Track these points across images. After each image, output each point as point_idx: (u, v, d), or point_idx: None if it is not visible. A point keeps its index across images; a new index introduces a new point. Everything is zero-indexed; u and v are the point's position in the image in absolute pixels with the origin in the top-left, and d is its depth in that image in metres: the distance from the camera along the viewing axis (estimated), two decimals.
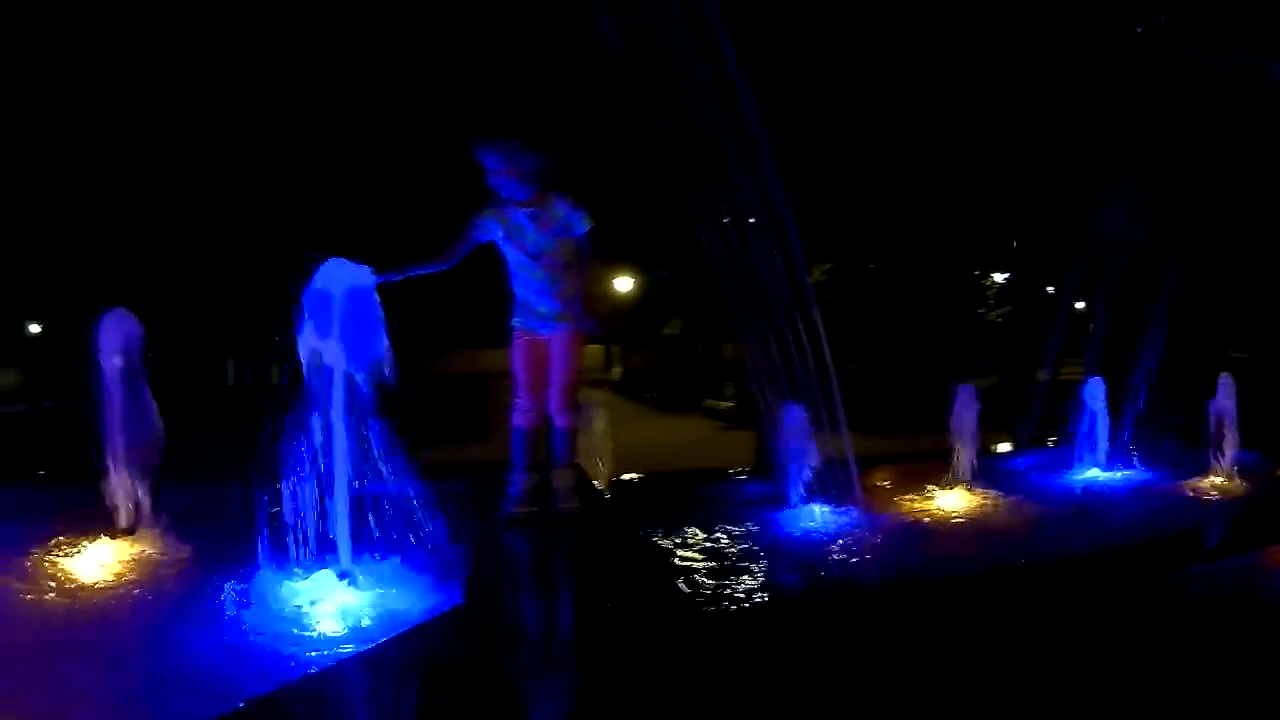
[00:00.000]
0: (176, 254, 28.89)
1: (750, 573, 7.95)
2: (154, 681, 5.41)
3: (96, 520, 8.44)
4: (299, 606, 6.30)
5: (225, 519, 7.70)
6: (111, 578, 7.54)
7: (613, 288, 53.93)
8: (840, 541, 8.93)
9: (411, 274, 7.44)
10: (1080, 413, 12.95)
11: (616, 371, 59.78)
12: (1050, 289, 34.21)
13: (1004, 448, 14.62)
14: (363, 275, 6.64)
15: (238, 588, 6.68)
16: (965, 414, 11.47)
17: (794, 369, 10.00)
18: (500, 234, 7.84)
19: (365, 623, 6.13)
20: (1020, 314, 36.18)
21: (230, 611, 6.41)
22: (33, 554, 7.92)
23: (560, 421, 8.19)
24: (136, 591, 7.18)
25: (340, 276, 6.53)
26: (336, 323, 6.47)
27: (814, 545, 9.00)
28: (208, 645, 5.89)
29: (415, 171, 25.61)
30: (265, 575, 6.56)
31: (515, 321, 8.14)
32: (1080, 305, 28.34)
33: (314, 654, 5.68)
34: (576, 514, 8.05)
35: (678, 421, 30.55)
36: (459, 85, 25.06)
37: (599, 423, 12.63)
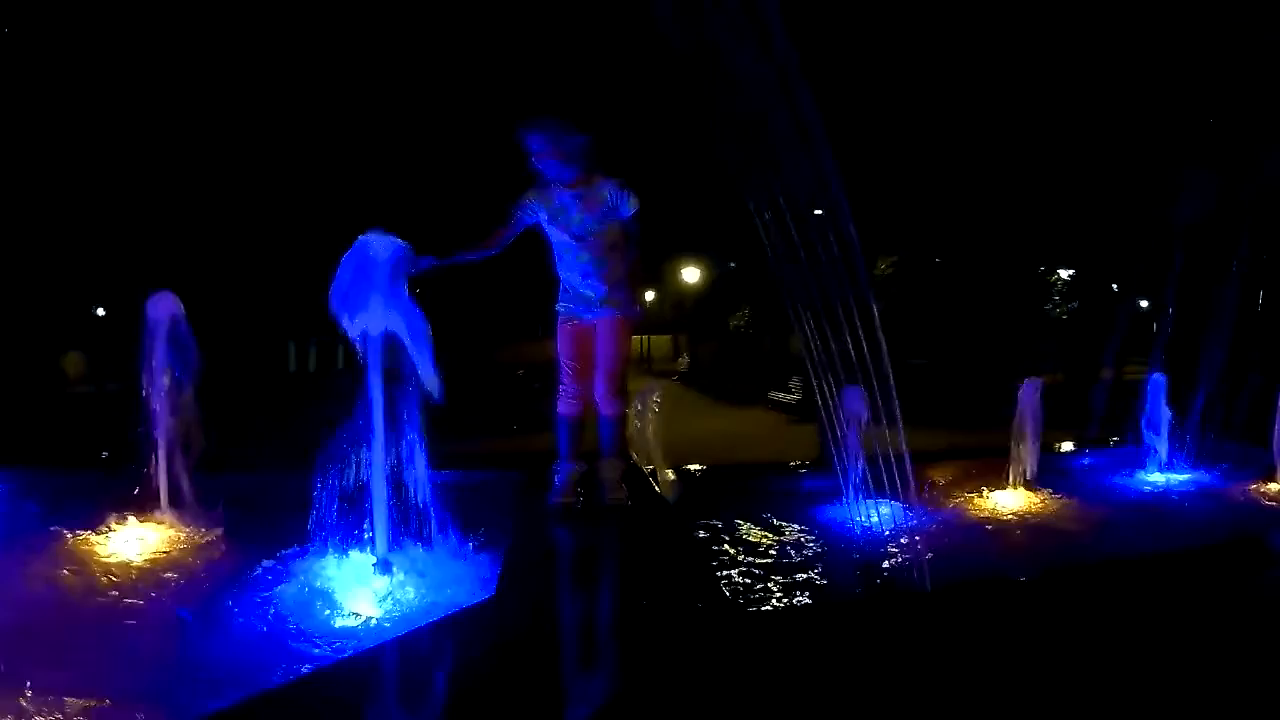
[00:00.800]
0: (237, 238, 28.94)
1: (800, 570, 7.65)
2: (179, 667, 5.29)
3: (142, 504, 8.34)
4: (333, 593, 6.10)
5: (268, 504, 7.57)
6: (146, 562, 7.42)
7: (681, 279, 53.91)
8: (897, 539, 8.59)
9: (458, 260, 7.24)
10: (1143, 413, 12.56)
11: (683, 362, 59.61)
12: (1115, 286, 33.73)
13: (1066, 446, 14.21)
14: (396, 247, 6.38)
15: (271, 574, 6.56)
16: (1029, 410, 11.11)
17: (854, 363, 9.70)
18: (544, 216, 7.55)
19: (398, 612, 5.94)
20: (1085, 311, 35.65)
21: (261, 598, 6.24)
22: (68, 538, 7.85)
23: (606, 409, 7.85)
24: (169, 577, 7.03)
25: (376, 249, 6.30)
26: (374, 298, 6.25)
27: (869, 543, 8.68)
28: (234, 632, 5.75)
29: (470, 158, 25.49)
30: (300, 561, 6.41)
31: (559, 306, 7.87)
32: (1144, 303, 27.85)
33: (344, 642, 5.51)
34: (623, 505, 7.77)
35: (742, 413, 30.22)
36: (520, 74, 24.85)
37: (656, 411, 12.29)
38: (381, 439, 6.30)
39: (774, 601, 6.87)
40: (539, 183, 7.52)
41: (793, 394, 31.28)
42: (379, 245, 6.29)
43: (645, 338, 71.78)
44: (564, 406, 7.92)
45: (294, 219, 27.37)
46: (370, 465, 6.31)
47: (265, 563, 6.75)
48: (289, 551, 6.71)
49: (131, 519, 8.22)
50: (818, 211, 9.62)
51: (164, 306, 8.51)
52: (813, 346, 9.72)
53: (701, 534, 8.55)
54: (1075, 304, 37.43)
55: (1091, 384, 22.71)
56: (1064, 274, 38.40)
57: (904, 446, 9.07)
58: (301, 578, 6.31)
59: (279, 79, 26.96)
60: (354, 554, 6.44)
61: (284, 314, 32.31)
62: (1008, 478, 11.01)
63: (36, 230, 27.28)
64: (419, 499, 6.54)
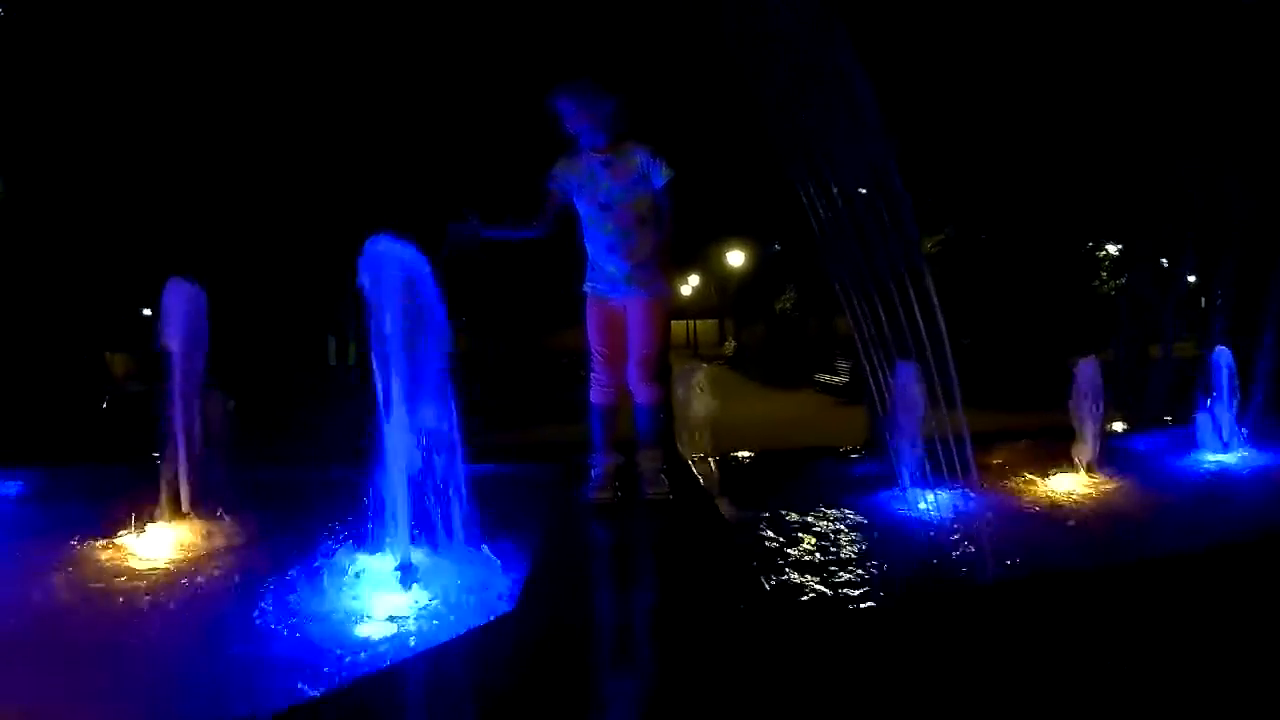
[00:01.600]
0: (278, 234, 28.79)
1: (851, 564, 7.13)
2: (185, 681, 4.91)
3: (164, 502, 7.97)
4: (351, 602, 5.65)
5: (292, 501, 7.21)
6: (158, 567, 7.04)
7: (725, 262, 53.65)
8: (953, 527, 8.08)
9: (506, 234, 6.95)
10: (1202, 391, 11.99)
11: (729, 346, 59.50)
12: (1165, 261, 33.06)
13: (1121, 427, 13.63)
14: (415, 257, 5.87)
15: (286, 580, 6.11)
16: (1087, 390, 10.59)
17: (905, 343, 9.23)
18: (574, 184, 7.06)
19: (422, 622, 5.47)
20: (1133, 286, 34.95)
21: (274, 607, 5.81)
22: (82, 540, 7.53)
23: (642, 397, 7.28)
24: (182, 583, 6.65)
25: (391, 256, 5.79)
26: (392, 298, 5.76)
27: (926, 532, 8.17)
28: (242, 645, 5.30)
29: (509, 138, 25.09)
30: (317, 567, 5.95)
31: (586, 286, 7.31)
32: (1192, 279, 27.24)
33: (359, 657, 5.04)
34: (664, 499, 7.24)
35: (789, 397, 29.87)
36: (555, 44, 24.29)
37: (701, 394, 11.78)
38: (402, 432, 5.84)
39: (823, 599, 6.38)
40: (569, 151, 7.08)
41: (840, 376, 30.94)
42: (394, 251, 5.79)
43: (691, 322, 71.69)
44: (596, 395, 7.38)
45: (334, 214, 27.05)
46: (390, 461, 5.85)
47: (282, 567, 6.32)
48: (308, 554, 6.26)
49: (150, 519, 7.86)
50: (862, 190, 9.20)
51: (180, 294, 8.15)
52: (863, 326, 9.31)
53: (747, 527, 8.04)
54: (1123, 279, 36.66)
55: (1140, 362, 22.15)
56: (1112, 249, 37.61)
57: (960, 429, 8.60)
58: (319, 583, 5.86)
59: (318, 79, 26.72)
60: (376, 557, 5.98)
61: (323, 308, 32.18)
62: (1066, 461, 10.51)
63: (83, 231, 27.30)
64: (448, 496, 6.08)
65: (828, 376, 32.18)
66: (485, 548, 6.11)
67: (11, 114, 24.65)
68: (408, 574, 5.77)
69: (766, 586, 6.04)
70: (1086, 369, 10.68)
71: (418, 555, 5.94)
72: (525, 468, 9.11)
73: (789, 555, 7.30)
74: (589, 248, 7.21)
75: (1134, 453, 11.63)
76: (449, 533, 6.06)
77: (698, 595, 5.34)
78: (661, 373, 7.35)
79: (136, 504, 7.89)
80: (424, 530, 6.01)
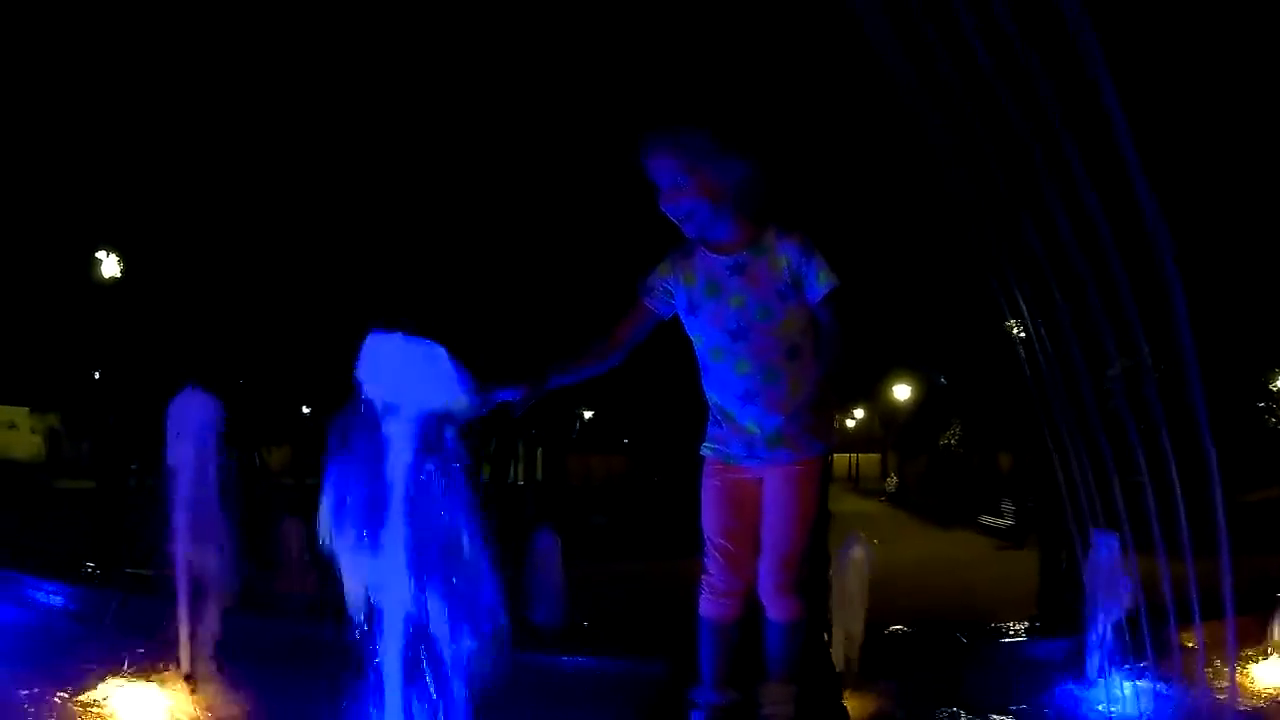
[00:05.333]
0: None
1: None
2: None
3: (158, 652, 6.49)
4: None
5: (322, 674, 5.68)
6: None
7: (892, 395, 52.58)
8: None
9: (569, 379, 4.43)
10: None
11: (892, 482, 58.26)
12: None
13: None
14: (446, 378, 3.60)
15: None
16: None
17: (1089, 486, 7.61)
18: (684, 301, 4.45)
19: None
20: None
21: None
22: (50, 680, 6.19)
23: (776, 611, 4.57)
24: None
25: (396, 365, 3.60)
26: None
27: None
28: None
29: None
30: None
31: (706, 447, 4.63)
32: None
33: None
34: None
35: (950, 537, 28.41)
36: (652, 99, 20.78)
37: (859, 562, 9.95)
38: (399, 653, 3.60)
39: None
40: (680, 248, 4.50)
41: (1003, 518, 29.25)
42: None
43: (853, 456, 70.04)
44: (709, 606, 4.63)
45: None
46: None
47: None
48: None
49: (143, 674, 6.41)
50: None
51: (193, 409, 6.66)
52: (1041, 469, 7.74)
53: None
54: None
55: None
56: None
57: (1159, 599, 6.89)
58: None
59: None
60: None
61: None
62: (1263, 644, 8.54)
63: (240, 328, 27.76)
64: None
65: (990, 518, 30.38)
66: None
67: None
68: None
69: None
70: None
71: None
72: (616, 663, 7.06)
73: None
74: (713, 394, 4.54)
75: None
76: None
77: None
78: (805, 573, 4.68)
79: (150, 647, 6.49)
80: None
